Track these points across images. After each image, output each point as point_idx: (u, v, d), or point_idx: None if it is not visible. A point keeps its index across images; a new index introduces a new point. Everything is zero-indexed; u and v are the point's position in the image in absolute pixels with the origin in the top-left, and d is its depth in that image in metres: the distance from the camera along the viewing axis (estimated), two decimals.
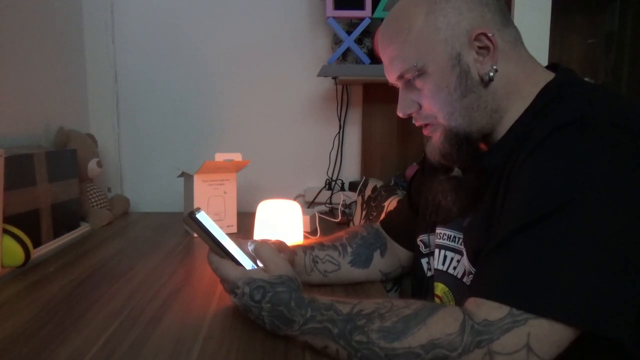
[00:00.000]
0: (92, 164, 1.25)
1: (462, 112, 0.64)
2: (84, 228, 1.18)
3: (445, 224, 0.75)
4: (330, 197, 1.50)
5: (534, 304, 0.49)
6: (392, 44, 0.66)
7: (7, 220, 0.86)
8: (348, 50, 1.32)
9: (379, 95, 1.48)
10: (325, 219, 1.37)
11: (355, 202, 1.37)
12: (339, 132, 1.52)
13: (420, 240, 0.81)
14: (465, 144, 0.65)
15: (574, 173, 0.51)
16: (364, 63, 1.29)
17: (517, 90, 0.64)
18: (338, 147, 1.53)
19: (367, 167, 1.51)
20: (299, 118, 1.52)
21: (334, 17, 1.27)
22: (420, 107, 0.67)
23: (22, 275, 0.87)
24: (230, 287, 0.65)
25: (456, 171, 0.74)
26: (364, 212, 1.24)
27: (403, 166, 1.46)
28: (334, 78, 1.38)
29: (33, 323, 0.67)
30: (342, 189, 1.52)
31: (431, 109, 0.66)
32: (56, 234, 1.05)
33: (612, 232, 0.49)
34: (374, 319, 0.54)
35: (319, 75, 1.29)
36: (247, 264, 0.67)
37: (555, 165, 0.52)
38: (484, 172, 0.65)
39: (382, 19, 1.27)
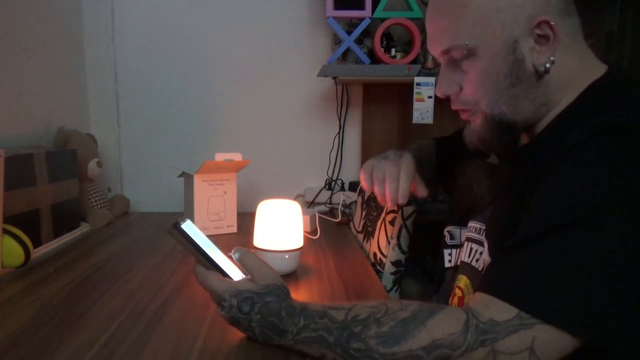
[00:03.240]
0: (92, 164, 1.25)
1: (507, 101, 0.61)
2: (84, 228, 1.18)
3: (476, 216, 0.72)
4: (330, 197, 1.50)
5: (544, 310, 0.48)
6: (444, 16, 0.61)
7: (7, 220, 0.86)
8: (348, 50, 1.32)
9: (379, 95, 1.48)
10: (325, 219, 1.37)
11: (355, 202, 1.37)
12: (339, 132, 1.52)
13: (448, 231, 0.80)
14: (506, 132, 0.62)
15: (607, 184, 0.49)
16: (364, 63, 1.29)
17: (569, 84, 0.60)
18: (338, 147, 1.53)
19: None
20: (299, 118, 1.52)
21: (334, 17, 1.27)
22: (461, 89, 0.64)
23: (22, 275, 0.87)
24: (217, 299, 0.61)
25: (492, 157, 0.72)
26: (363, 212, 1.24)
27: None
28: (334, 78, 1.38)
29: (33, 323, 0.67)
30: (342, 189, 1.52)
31: (474, 94, 0.62)
32: (56, 234, 1.05)
33: (633, 249, 0.48)
34: (370, 325, 0.53)
35: (319, 75, 1.29)
36: (236, 274, 0.64)
37: (589, 173, 0.50)
38: (519, 163, 0.63)
39: (382, 19, 1.28)
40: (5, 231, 0.85)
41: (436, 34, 0.64)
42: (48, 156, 1.03)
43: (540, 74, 0.59)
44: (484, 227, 0.69)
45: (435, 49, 0.65)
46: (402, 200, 0.79)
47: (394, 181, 0.80)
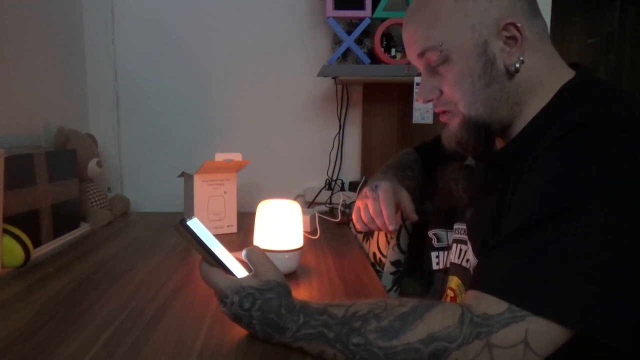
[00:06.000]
0: (92, 164, 1.25)
1: (484, 102, 0.64)
2: (84, 228, 1.18)
3: (459, 218, 0.75)
4: (330, 197, 1.50)
5: (533, 302, 0.49)
6: (418, 24, 0.66)
7: (7, 220, 0.86)
8: (348, 50, 1.32)
9: (379, 95, 1.48)
10: (325, 219, 1.37)
11: (355, 202, 1.37)
12: (339, 132, 1.52)
13: (434, 234, 0.82)
14: (483, 134, 0.65)
15: (582, 177, 0.51)
16: (364, 63, 1.29)
17: (539, 85, 0.64)
18: (338, 147, 1.53)
19: (367, 167, 1.51)
20: (299, 118, 1.52)
21: (334, 17, 1.27)
22: (441, 93, 0.68)
23: (22, 275, 0.87)
24: (220, 296, 0.62)
25: (469, 160, 0.75)
26: None
27: None
28: (334, 78, 1.38)
29: (33, 323, 0.67)
30: (342, 189, 1.52)
31: (453, 95, 0.66)
32: (56, 234, 1.05)
33: (615, 237, 0.49)
34: (369, 320, 0.54)
35: (319, 75, 1.29)
36: (240, 272, 0.64)
37: (564, 167, 0.53)
38: (496, 165, 0.66)
39: (382, 19, 1.28)
40: (5, 231, 0.85)
41: (412, 41, 0.68)
42: (48, 156, 1.03)
43: (511, 74, 0.63)
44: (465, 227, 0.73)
45: (412, 54, 0.69)
46: (391, 228, 0.83)
47: (380, 216, 0.85)
